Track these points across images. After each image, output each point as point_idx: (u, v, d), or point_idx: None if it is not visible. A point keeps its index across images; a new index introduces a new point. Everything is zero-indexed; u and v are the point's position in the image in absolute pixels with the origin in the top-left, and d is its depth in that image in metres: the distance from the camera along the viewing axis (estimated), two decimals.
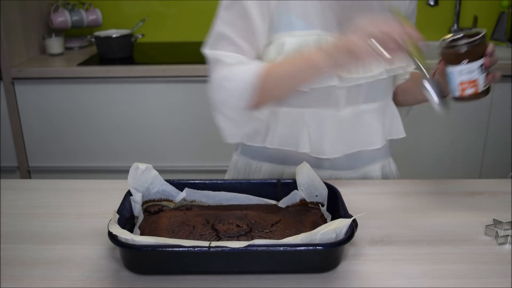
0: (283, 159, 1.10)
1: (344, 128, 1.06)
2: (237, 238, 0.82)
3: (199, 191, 0.91)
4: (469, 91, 0.88)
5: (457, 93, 0.89)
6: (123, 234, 0.71)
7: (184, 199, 0.91)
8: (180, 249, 0.70)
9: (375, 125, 1.08)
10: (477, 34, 0.88)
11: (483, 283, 0.74)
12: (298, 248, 0.71)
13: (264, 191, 0.92)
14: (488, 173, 2.28)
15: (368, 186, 1.07)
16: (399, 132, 1.13)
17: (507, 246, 0.83)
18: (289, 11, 0.98)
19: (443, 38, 0.90)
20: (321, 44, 0.93)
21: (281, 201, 0.92)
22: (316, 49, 0.90)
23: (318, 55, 0.89)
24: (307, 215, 0.88)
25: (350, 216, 0.78)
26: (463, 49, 0.87)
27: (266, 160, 1.12)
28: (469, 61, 0.87)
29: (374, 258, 0.80)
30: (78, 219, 0.92)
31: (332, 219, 0.86)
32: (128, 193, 0.87)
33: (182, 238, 0.78)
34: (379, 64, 1.00)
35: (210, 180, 0.94)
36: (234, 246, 0.70)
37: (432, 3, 2.44)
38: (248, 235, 0.82)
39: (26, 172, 2.27)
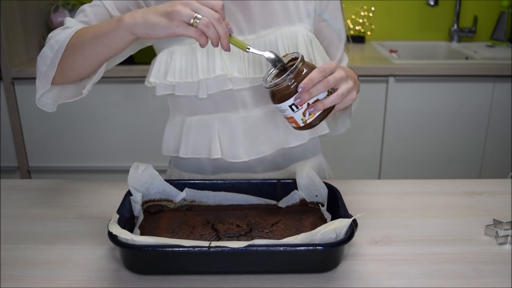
0: (214, 168, 1.08)
1: (258, 129, 1.03)
2: (237, 238, 0.82)
3: (199, 191, 0.91)
4: (292, 125, 0.84)
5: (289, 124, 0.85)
6: (123, 234, 0.71)
7: (184, 199, 0.91)
8: (180, 249, 0.70)
9: None
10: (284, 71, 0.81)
11: (483, 283, 0.74)
12: (298, 248, 0.71)
13: (264, 191, 0.92)
14: (488, 173, 2.28)
15: (368, 186, 1.07)
16: (322, 128, 1.08)
17: (507, 246, 0.83)
18: None
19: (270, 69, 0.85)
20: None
21: (281, 201, 0.92)
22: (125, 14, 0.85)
23: (128, 14, 0.84)
24: (307, 215, 0.88)
25: (350, 216, 0.78)
26: (269, 91, 0.82)
27: (197, 172, 1.10)
28: (278, 102, 0.82)
29: (374, 258, 0.80)
30: (78, 219, 0.92)
31: (332, 219, 0.85)
32: (128, 193, 0.87)
33: (182, 238, 0.78)
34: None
35: (210, 180, 0.94)
36: (234, 246, 0.70)
37: (432, 3, 2.44)
38: (248, 235, 0.82)
39: (26, 172, 2.28)
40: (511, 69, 2.10)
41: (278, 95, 0.81)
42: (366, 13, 2.58)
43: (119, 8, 0.95)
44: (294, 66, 0.79)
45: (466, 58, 2.35)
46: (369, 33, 2.60)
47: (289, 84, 0.80)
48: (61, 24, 0.98)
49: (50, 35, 0.93)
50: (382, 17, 2.59)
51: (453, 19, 2.56)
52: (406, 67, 2.14)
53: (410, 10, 2.58)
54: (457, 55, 2.46)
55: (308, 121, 0.82)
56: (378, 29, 2.61)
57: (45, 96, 0.93)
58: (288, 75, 0.79)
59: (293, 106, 0.81)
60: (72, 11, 2.42)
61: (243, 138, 1.03)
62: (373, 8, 2.57)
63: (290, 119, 0.83)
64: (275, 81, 0.80)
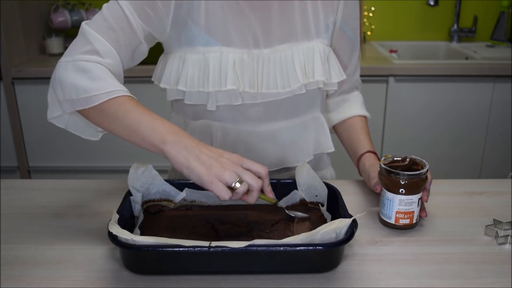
0: None
1: (260, 146, 1.02)
2: (237, 238, 0.82)
3: (199, 191, 0.91)
4: (404, 221, 0.86)
5: (392, 220, 0.87)
6: (123, 234, 0.71)
7: (184, 199, 0.91)
8: (180, 249, 0.70)
9: (298, 141, 1.05)
10: (418, 164, 0.88)
11: (483, 283, 0.74)
12: (298, 248, 0.71)
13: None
14: (488, 173, 2.28)
15: (368, 186, 1.07)
16: (328, 146, 1.09)
17: (507, 246, 0.83)
18: (193, 24, 0.94)
19: (384, 158, 0.89)
20: (181, 133, 0.80)
21: (281, 201, 0.92)
22: (173, 130, 0.80)
23: (173, 140, 0.77)
24: (307, 215, 0.88)
25: (350, 216, 0.78)
26: (409, 180, 0.84)
27: None
28: (411, 194, 0.85)
29: (374, 258, 0.80)
30: (78, 219, 0.92)
31: (332, 219, 0.86)
32: (128, 193, 0.87)
33: (182, 238, 0.78)
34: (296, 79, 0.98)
35: None
36: (234, 246, 0.70)
37: (432, 3, 2.44)
38: (248, 235, 0.82)
39: (26, 172, 2.28)
40: (511, 69, 2.10)
41: (416, 187, 0.85)
42: (366, 13, 2.57)
43: (135, 8, 0.89)
44: (427, 165, 0.87)
45: (466, 58, 2.35)
46: (369, 33, 2.60)
47: (426, 178, 0.86)
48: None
49: (80, 68, 0.83)
50: (382, 17, 2.59)
51: (453, 19, 2.56)
52: (406, 67, 2.14)
53: (410, 10, 2.58)
54: (457, 55, 2.46)
55: (416, 219, 0.88)
56: (378, 29, 2.61)
57: (57, 119, 0.88)
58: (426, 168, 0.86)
59: (419, 201, 0.87)
60: (72, 11, 2.42)
61: (243, 153, 1.00)
62: (373, 8, 2.57)
63: (407, 214, 0.86)
64: (424, 170, 0.85)
